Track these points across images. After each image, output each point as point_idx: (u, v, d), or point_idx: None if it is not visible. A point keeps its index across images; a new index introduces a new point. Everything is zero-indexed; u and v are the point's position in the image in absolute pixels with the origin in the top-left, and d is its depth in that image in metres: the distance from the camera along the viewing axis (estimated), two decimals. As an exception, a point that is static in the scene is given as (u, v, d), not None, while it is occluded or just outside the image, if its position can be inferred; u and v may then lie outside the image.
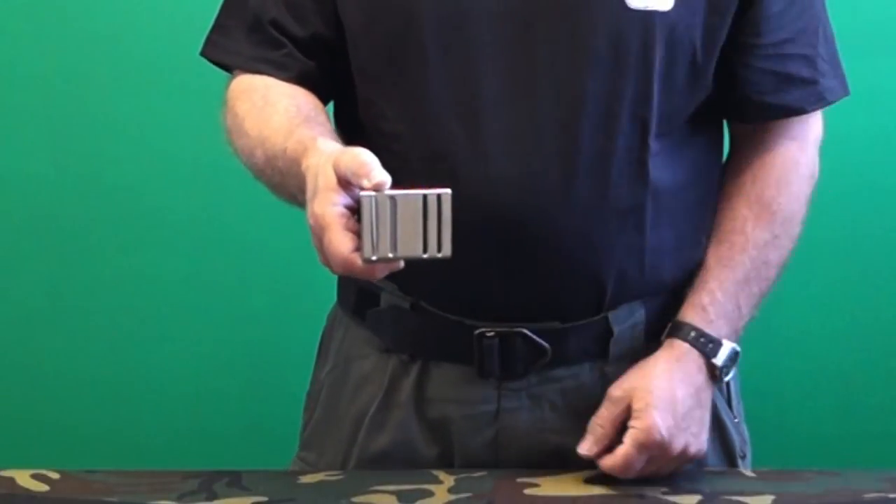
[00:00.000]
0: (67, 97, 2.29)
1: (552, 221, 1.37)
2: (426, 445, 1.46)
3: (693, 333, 1.41)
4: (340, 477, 1.40)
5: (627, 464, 1.37)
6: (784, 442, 2.32)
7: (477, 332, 1.41)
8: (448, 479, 1.37)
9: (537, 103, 1.36)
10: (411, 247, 1.16)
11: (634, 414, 1.38)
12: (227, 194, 2.19)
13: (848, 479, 1.38)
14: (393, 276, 1.44)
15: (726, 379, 1.43)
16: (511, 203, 1.36)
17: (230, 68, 1.46)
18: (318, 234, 1.18)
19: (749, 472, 1.43)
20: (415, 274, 1.42)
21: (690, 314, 1.43)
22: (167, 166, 2.30)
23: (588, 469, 1.40)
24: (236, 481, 1.37)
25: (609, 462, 1.38)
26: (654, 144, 1.39)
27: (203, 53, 1.46)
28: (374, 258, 1.15)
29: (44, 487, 1.35)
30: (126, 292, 2.34)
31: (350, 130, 1.46)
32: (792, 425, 2.36)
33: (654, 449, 1.37)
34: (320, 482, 1.38)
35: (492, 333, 1.41)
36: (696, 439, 1.39)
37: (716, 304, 1.43)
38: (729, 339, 1.43)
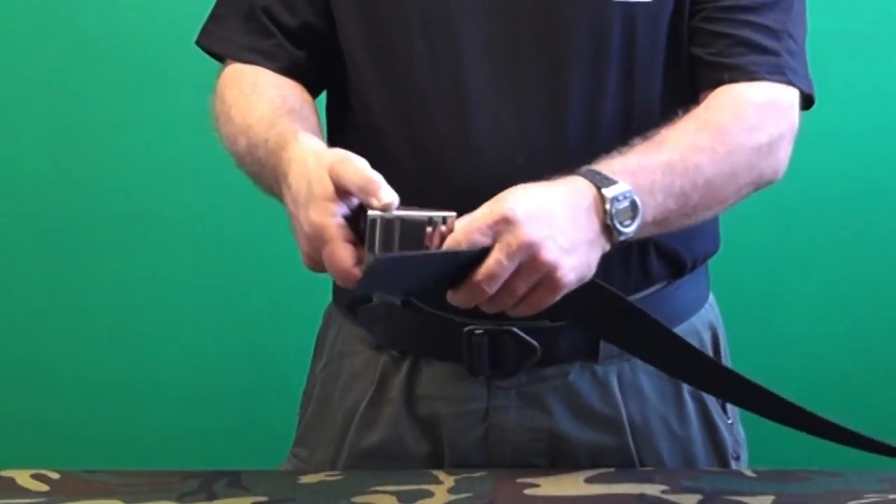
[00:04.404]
0: (67, 97, 2.29)
1: None
2: (416, 442, 1.45)
3: (588, 171, 1.26)
4: (340, 477, 1.40)
5: (492, 270, 1.19)
6: (784, 442, 2.31)
7: (466, 329, 1.41)
8: (448, 480, 1.37)
9: (523, 98, 1.36)
10: None
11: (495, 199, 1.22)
12: (226, 194, 2.19)
13: (848, 479, 1.38)
14: None
15: (621, 228, 1.25)
16: None
17: (223, 58, 1.46)
18: (315, 244, 1.20)
19: (749, 472, 1.43)
20: None
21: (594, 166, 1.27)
22: (167, 166, 2.30)
23: (588, 469, 1.39)
24: (236, 481, 1.37)
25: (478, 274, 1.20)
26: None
27: (197, 42, 1.46)
28: None
29: (44, 487, 1.35)
30: (126, 292, 2.35)
31: (340, 123, 1.46)
32: (792, 425, 2.36)
33: (501, 225, 1.19)
34: (320, 482, 1.38)
35: (481, 331, 1.40)
36: (566, 256, 1.21)
37: (626, 162, 1.28)
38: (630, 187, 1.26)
